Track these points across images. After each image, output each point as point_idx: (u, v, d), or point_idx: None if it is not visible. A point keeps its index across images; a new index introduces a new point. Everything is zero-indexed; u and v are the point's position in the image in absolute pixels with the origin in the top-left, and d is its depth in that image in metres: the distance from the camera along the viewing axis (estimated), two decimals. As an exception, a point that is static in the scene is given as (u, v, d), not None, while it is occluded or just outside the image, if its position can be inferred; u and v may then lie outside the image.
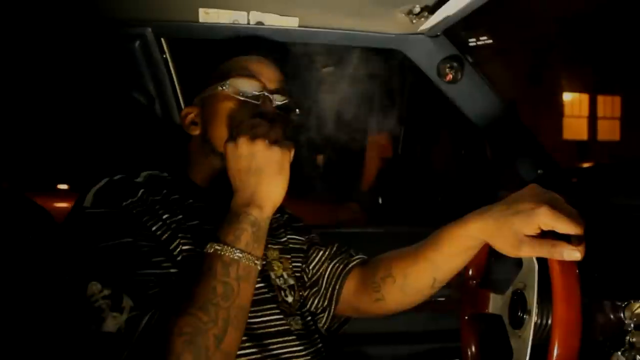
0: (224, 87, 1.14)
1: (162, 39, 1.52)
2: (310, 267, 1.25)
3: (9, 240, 1.07)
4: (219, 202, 1.13)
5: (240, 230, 0.95)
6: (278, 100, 1.16)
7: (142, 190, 1.05)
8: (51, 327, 1.01)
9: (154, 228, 1.02)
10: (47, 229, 1.08)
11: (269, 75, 1.17)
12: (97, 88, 1.83)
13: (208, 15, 1.38)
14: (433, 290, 1.14)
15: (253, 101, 1.13)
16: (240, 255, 0.93)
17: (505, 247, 0.93)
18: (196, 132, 1.19)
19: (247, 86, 1.14)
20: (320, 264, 1.25)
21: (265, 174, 0.98)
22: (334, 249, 1.27)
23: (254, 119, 1.06)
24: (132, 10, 1.39)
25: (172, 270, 0.98)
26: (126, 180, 1.07)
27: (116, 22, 1.44)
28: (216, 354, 0.87)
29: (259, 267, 0.96)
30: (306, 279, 1.24)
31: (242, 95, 1.13)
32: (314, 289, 1.24)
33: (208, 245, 0.94)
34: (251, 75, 1.15)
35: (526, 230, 0.89)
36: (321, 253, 1.26)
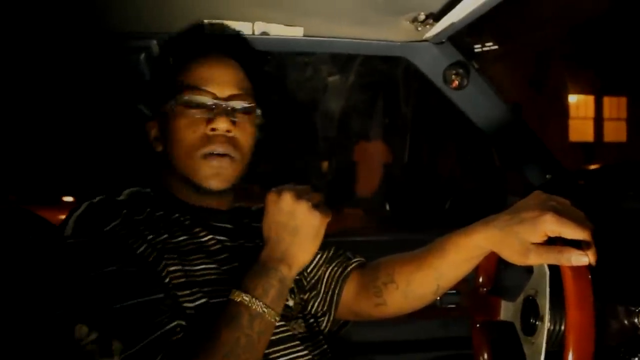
0: (175, 103, 1.09)
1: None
2: (308, 271, 1.23)
3: (11, 256, 1.07)
4: (204, 214, 1.12)
5: (269, 285, 0.95)
6: (236, 105, 1.11)
7: (124, 211, 1.01)
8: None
9: (139, 251, 0.98)
10: (51, 244, 1.07)
11: (221, 79, 1.11)
12: (103, 101, 1.84)
13: (213, 27, 1.38)
14: (436, 296, 1.14)
15: (206, 115, 1.08)
16: (265, 310, 0.94)
17: (513, 255, 0.93)
18: (159, 148, 1.15)
19: (198, 99, 1.09)
20: (318, 267, 1.24)
21: (301, 235, 0.98)
22: (331, 252, 1.26)
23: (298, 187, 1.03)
24: (137, 23, 1.40)
25: (159, 296, 0.94)
26: (107, 201, 1.03)
27: (122, 35, 1.45)
28: None
29: (276, 324, 0.97)
30: (305, 283, 1.23)
31: (195, 109, 1.09)
32: (313, 292, 1.23)
33: (236, 293, 0.94)
34: (200, 87, 1.09)
35: (532, 239, 0.88)
36: (318, 256, 1.24)
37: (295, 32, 1.42)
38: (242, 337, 0.91)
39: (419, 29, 1.36)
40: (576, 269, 0.90)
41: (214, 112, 1.08)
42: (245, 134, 1.12)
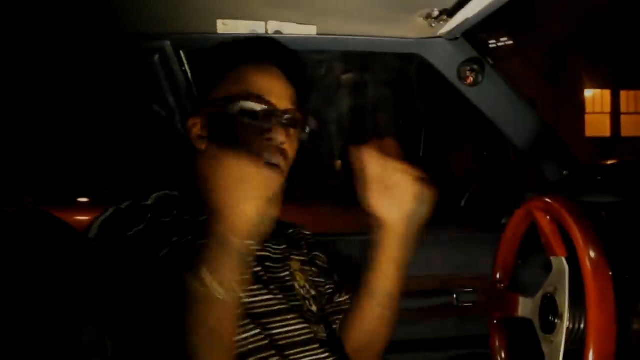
0: (236, 107, 1.09)
1: (181, 52, 1.53)
2: (335, 299, 1.25)
3: (29, 258, 1.08)
4: None
5: (217, 256, 0.89)
6: (291, 119, 1.12)
7: (149, 215, 1.01)
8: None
9: (161, 253, 0.98)
10: (69, 247, 1.08)
11: (280, 92, 1.13)
12: (118, 102, 1.85)
13: (226, 27, 1.38)
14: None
15: (264, 124, 1.09)
16: (220, 290, 0.87)
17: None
18: (203, 146, 1.14)
19: (260, 108, 1.10)
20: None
21: (252, 201, 0.90)
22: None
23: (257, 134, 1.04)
24: (150, 24, 1.40)
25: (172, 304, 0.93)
26: (133, 206, 1.04)
27: (135, 36, 1.45)
28: None
29: (239, 292, 0.90)
30: (337, 300, 1.25)
31: (253, 118, 1.09)
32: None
33: (188, 275, 0.89)
34: (262, 97, 1.10)
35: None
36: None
37: (309, 30, 1.42)
38: (204, 330, 0.87)
39: (433, 25, 1.35)
40: (597, 266, 0.89)
41: (271, 122, 1.09)
42: (292, 148, 1.13)
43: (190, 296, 0.87)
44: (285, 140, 1.09)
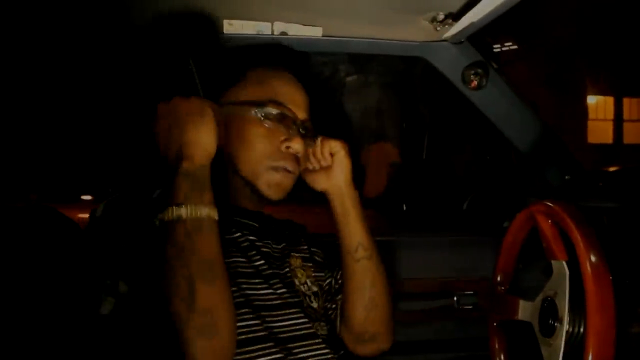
0: (258, 114, 1.13)
1: (187, 51, 1.53)
2: (337, 277, 1.25)
3: (36, 251, 1.08)
4: (232, 211, 1.15)
5: (175, 188, 0.93)
6: (307, 129, 1.17)
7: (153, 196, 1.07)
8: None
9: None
10: (74, 241, 1.09)
11: (299, 101, 1.18)
12: (123, 100, 1.86)
13: (232, 27, 1.39)
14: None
15: (285, 132, 1.14)
16: (181, 211, 0.91)
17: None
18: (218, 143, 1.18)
19: (284, 116, 1.14)
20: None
21: (188, 125, 0.95)
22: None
23: None
24: (156, 23, 1.41)
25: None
26: (139, 195, 1.08)
27: (142, 35, 1.46)
28: (192, 316, 0.86)
29: (212, 214, 0.93)
30: (333, 290, 1.25)
31: (277, 123, 1.13)
32: (339, 295, 1.24)
33: (159, 216, 0.93)
34: (287, 105, 1.15)
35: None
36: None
37: (315, 32, 1.42)
38: (169, 249, 0.89)
39: (438, 28, 1.36)
40: (597, 271, 0.90)
41: (291, 131, 1.14)
42: (305, 155, 1.18)
43: (171, 231, 0.91)
44: (302, 151, 1.14)
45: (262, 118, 1.13)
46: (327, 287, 1.25)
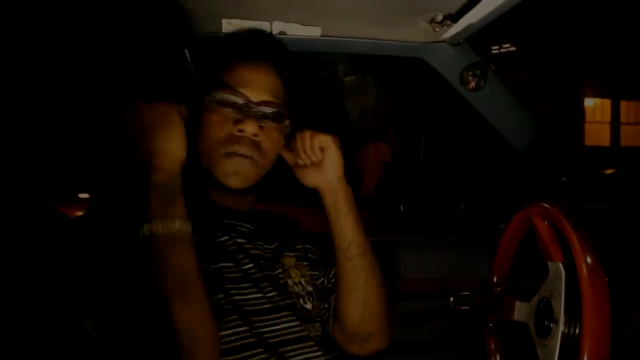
0: (209, 100, 1.10)
1: (186, 50, 1.53)
2: (330, 276, 1.22)
3: (32, 247, 1.08)
4: (222, 213, 1.14)
5: (146, 202, 0.91)
6: (266, 110, 1.12)
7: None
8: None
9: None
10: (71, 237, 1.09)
11: (260, 84, 1.13)
12: (121, 98, 1.86)
13: (231, 26, 1.38)
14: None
15: (236, 116, 1.10)
16: (152, 226, 0.89)
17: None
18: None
19: (231, 99, 1.10)
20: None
21: (154, 134, 0.94)
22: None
23: None
24: (156, 22, 1.41)
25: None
26: (124, 200, 1.06)
27: (141, 34, 1.46)
28: (172, 335, 0.85)
29: (184, 228, 0.92)
30: (326, 289, 1.23)
31: (226, 108, 1.10)
32: (333, 295, 1.23)
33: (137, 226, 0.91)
34: (235, 88, 1.11)
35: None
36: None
37: (313, 31, 1.42)
38: (151, 266, 0.88)
39: (437, 29, 1.36)
40: (593, 273, 0.90)
41: (243, 114, 1.10)
42: (271, 140, 1.13)
43: (147, 248, 0.89)
44: (258, 132, 1.09)
45: (214, 104, 1.09)
46: (320, 286, 1.22)
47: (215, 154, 1.09)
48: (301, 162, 1.16)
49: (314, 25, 1.41)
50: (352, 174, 1.17)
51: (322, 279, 1.23)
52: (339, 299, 1.16)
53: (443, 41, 1.50)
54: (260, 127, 1.10)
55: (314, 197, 1.19)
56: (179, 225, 0.91)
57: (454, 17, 1.31)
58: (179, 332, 0.86)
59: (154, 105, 0.96)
